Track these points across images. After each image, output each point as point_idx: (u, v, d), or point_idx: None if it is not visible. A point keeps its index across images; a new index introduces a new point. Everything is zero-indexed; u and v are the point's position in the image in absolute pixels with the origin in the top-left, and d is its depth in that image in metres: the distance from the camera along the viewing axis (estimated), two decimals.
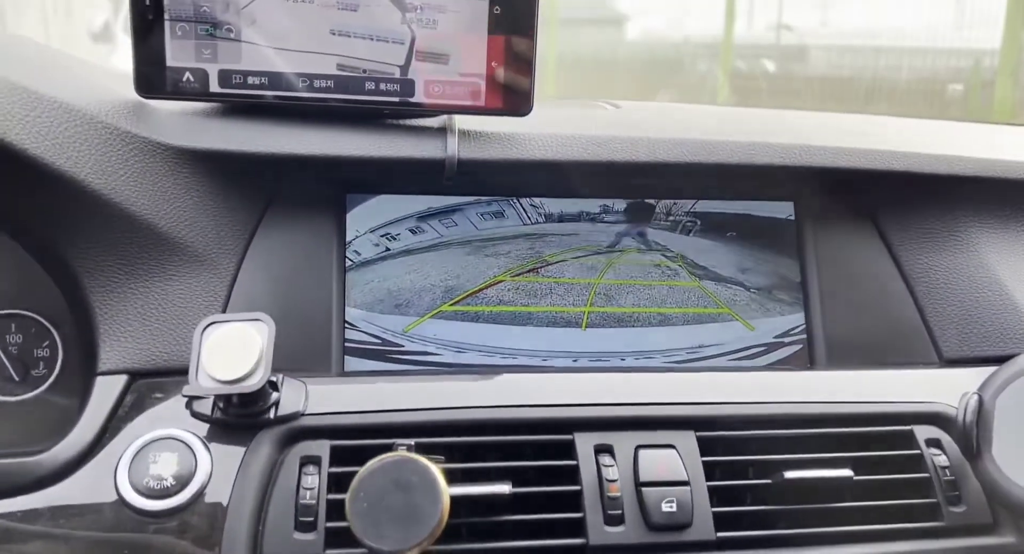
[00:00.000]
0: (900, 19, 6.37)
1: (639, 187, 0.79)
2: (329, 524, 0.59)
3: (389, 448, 0.58)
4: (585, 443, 0.65)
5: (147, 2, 0.66)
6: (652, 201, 0.79)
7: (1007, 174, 0.82)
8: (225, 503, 0.59)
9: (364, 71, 0.70)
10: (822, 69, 6.82)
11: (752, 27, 7.09)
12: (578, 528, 0.62)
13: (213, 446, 0.60)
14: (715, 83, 6.43)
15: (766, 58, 6.93)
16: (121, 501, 0.55)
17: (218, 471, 0.59)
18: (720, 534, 0.63)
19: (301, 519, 0.59)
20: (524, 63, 0.70)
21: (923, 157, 0.80)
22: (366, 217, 0.75)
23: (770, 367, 0.78)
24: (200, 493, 0.58)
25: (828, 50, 6.95)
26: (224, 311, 0.70)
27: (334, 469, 0.61)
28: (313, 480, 0.60)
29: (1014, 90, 4.56)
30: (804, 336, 0.78)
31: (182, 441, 0.60)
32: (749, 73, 6.67)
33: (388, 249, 0.75)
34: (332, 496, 0.60)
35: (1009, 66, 4.61)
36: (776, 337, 0.78)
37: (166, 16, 0.66)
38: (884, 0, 6.66)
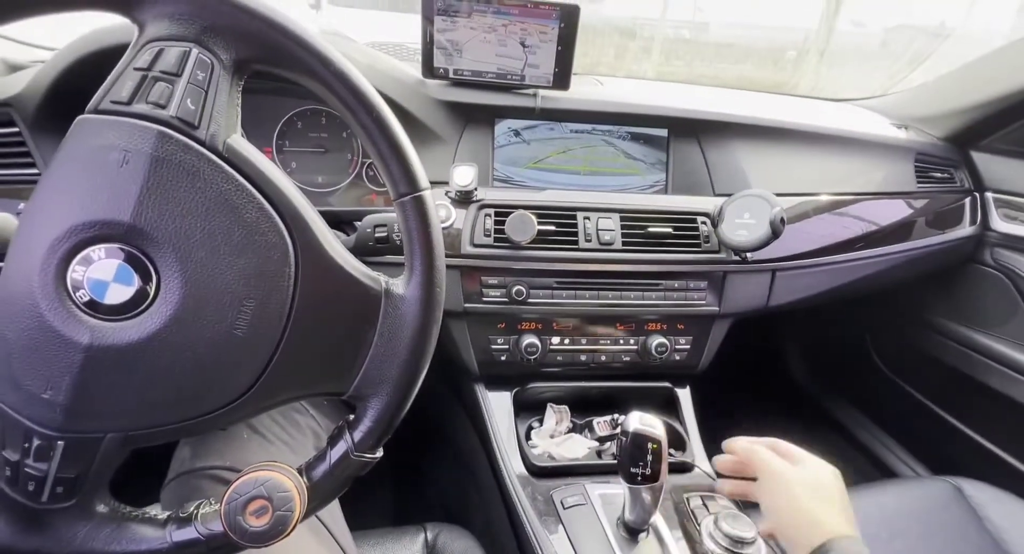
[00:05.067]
0: (764, 10, 5.70)
1: (606, 120, 0.82)
2: (496, 235, 0.73)
3: (514, 211, 0.72)
4: (580, 217, 0.76)
5: (429, 42, 0.74)
6: (610, 126, 0.83)
7: (752, 122, 0.86)
8: (460, 226, 0.73)
9: (506, 70, 0.77)
10: (717, 37, 6.18)
11: (680, 7, 6.34)
12: (575, 242, 0.74)
13: (456, 209, 0.73)
14: (651, 43, 5.86)
15: (684, 29, 6.26)
16: None
17: (457, 217, 0.73)
18: (623, 247, 0.74)
19: (486, 231, 0.73)
20: (567, 70, 0.77)
21: (716, 114, 0.84)
22: (502, 128, 0.81)
23: (650, 193, 0.84)
24: (452, 223, 0.73)
25: (723, 25, 6.28)
26: (453, 161, 0.77)
27: (497, 217, 0.73)
28: (489, 220, 0.73)
29: (819, 60, 4.27)
30: (664, 183, 0.84)
31: (446, 206, 0.73)
32: (674, 37, 6.06)
33: (510, 141, 0.81)
34: (497, 227, 0.73)
35: (819, 45, 4.28)
36: (654, 183, 0.84)
37: (435, 46, 0.75)
38: None
